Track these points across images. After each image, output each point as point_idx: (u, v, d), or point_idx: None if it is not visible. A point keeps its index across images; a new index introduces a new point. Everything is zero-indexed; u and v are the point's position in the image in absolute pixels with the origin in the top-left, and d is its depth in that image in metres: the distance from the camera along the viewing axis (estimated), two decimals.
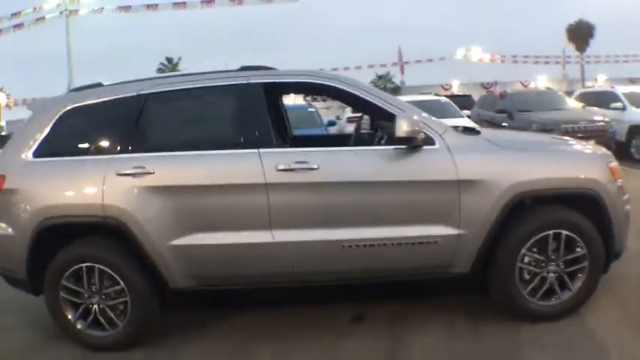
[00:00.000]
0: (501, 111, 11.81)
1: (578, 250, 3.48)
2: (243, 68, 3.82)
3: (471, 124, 9.38)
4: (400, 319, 3.76)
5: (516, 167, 3.48)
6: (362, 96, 3.68)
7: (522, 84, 41.28)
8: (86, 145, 3.62)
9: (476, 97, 18.91)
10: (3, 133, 22.73)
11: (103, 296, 3.52)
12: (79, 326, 3.56)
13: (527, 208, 3.50)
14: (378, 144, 3.84)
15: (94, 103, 3.69)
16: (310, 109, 12.12)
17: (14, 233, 3.53)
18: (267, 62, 3.97)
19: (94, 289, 3.52)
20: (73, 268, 3.48)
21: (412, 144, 3.42)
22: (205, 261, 3.48)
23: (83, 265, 3.47)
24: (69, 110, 3.67)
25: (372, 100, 3.66)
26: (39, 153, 3.60)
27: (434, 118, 3.73)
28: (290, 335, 3.65)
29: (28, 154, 3.60)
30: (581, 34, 50.35)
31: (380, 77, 49.35)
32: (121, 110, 3.64)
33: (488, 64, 41.67)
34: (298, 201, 3.42)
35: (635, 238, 4.50)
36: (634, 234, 4.23)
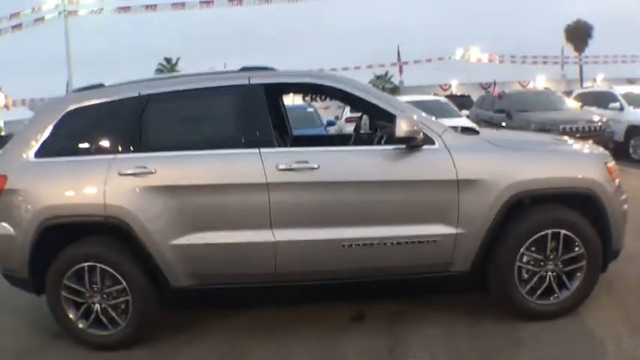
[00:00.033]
0: (500, 111, 11.86)
1: (576, 249, 3.51)
2: (244, 69, 3.84)
3: (469, 124, 9.40)
4: (400, 318, 3.79)
5: (515, 167, 3.51)
6: (362, 96, 3.71)
7: (521, 84, 41.33)
8: (88, 146, 3.63)
9: (474, 97, 18.98)
10: (2, 134, 22.72)
11: (105, 295, 3.54)
12: (80, 325, 3.58)
13: (526, 207, 3.53)
14: (378, 144, 3.86)
15: (95, 104, 3.70)
16: (309, 109, 12.15)
17: (16, 233, 3.54)
18: (266, 63, 4.00)
19: (95, 289, 3.54)
20: (74, 268, 3.50)
21: (412, 144, 3.45)
22: (206, 260, 3.50)
23: (85, 264, 3.49)
24: (71, 111, 3.69)
25: (371, 101, 3.69)
26: (41, 153, 3.61)
27: (433, 118, 3.76)
28: (290, 334, 3.67)
29: (30, 155, 3.61)
30: (579, 34, 50.49)
31: (378, 77, 49.25)
32: (123, 111, 3.66)
33: (487, 64, 41.63)
34: (299, 200, 3.45)
35: (634, 239, 4.54)
36: (633, 234, 4.26)
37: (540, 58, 41.84)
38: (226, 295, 3.88)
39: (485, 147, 3.63)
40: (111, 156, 3.54)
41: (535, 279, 3.53)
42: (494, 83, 40.15)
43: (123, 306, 3.55)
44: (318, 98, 23.11)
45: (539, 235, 3.47)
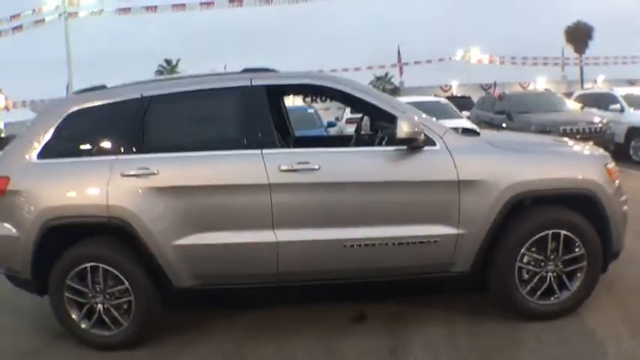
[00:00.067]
0: (500, 112, 11.88)
1: (576, 250, 3.53)
2: (246, 70, 3.86)
3: (470, 125, 9.43)
4: (401, 318, 3.80)
5: (515, 168, 3.52)
6: (362, 97, 3.73)
7: (521, 85, 41.39)
8: (90, 147, 3.65)
9: (475, 98, 18.98)
10: (2, 135, 22.76)
11: (108, 296, 3.56)
12: (83, 326, 3.59)
13: (527, 208, 3.54)
14: (379, 145, 3.88)
15: (98, 105, 3.72)
16: (310, 111, 12.17)
17: (19, 234, 3.55)
18: (265, 64, 4.02)
19: (98, 289, 3.56)
20: (77, 268, 3.52)
21: (413, 145, 3.47)
22: (209, 260, 3.51)
23: (88, 264, 3.51)
24: (73, 112, 3.70)
25: (372, 102, 3.71)
26: (43, 154, 3.63)
27: (434, 120, 3.78)
28: (292, 334, 3.69)
29: (33, 156, 3.63)
30: (579, 35, 50.53)
31: (378, 79, 49.25)
32: (125, 112, 3.68)
33: (487, 65, 41.73)
34: (301, 201, 3.46)
35: (634, 240, 4.56)
36: (633, 235, 4.28)
37: (541, 60, 41.90)
38: (229, 296, 3.89)
39: (486, 148, 3.65)
40: (113, 157, 3.56)
41: (535, 279, 3.54)
42: (495, 84, 40.15)
43: (125, 306, 3.56)
44: (318, 99, 23.16)
45: (539, 235, 3.48)
